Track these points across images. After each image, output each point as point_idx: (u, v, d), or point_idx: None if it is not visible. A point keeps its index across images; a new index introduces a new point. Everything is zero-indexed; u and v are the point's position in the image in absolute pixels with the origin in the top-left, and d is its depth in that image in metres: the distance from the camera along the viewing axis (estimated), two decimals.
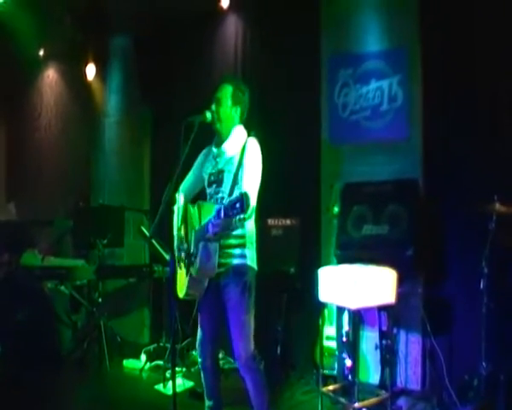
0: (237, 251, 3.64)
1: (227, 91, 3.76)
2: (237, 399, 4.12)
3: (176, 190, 3.69)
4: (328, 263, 4.87)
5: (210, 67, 6.50)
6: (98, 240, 6.12)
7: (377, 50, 5.23)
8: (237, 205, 2.94)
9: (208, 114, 3.70)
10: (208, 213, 3.41)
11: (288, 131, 5.59)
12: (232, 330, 3.64)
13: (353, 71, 5.37)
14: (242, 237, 3.65)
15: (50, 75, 8.45)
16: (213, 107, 3.75)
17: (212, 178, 3.78)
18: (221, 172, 3.72)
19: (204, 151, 3.99)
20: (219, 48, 6.46)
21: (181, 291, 3.72)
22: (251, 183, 3.53)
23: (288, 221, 5.42)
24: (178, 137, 3.51)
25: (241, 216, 3.05)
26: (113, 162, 7.39)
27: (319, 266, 4.51)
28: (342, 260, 4.72)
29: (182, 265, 3.72)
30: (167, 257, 5.53)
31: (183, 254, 3.70)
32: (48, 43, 7.91)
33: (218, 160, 3.78)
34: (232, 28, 6.34)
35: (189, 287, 3.62)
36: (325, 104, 5.56)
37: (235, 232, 3.59)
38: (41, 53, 8.10)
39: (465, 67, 4.66)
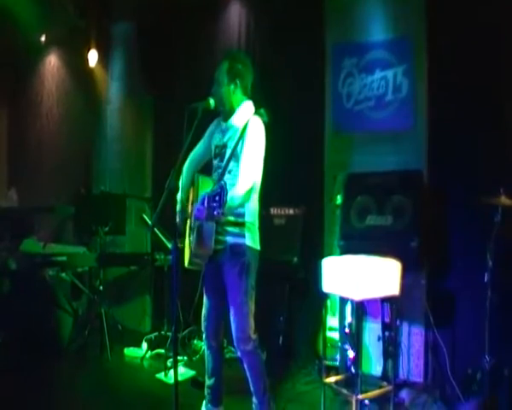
0: (235, 230, 3.63)
1: (223, 69, 3.75)
2: (238, 388, 4.11)
3: (178, 177, 3.65)
4: (331, 253, 4.84)
5: (212, 54, 6.44)
6: (100, 227, 6.11)
7: (382, 40, 5.19)
8: (216, 198, 2.94)
9: (211, 101, 3.69)
10: (205, 187, 3.48)
11: (292, 120, 5.54)
12: (231, 312, 3.67)
13: (358, 60, 5.32)
14: (241, 215, 3.63)
15: (52, 61, 8.40)
16: (213, 88, 3.75)
17: (217, 150, 3.80)
18: (224, 146, 3.73)
19: (214, 122, 3.98)
20: (222, 36, 6.42)
21: (185, 260, 3.74)
22: (248, 165, 3.52)
23: (291, 211, 5.40)
24: (181, 125, 3.48)
25: (219, 211, 3.03)
26: (114, 149, 7.35)
27: (322, 256, 4.49)
28: (345, 250, 4.69)
29: (188, 233, 3.74)
30: (169, 245, 5.51)
31: (189, 229, 3.73)
32: (49, 30, 7.86)
33: (224, 133, 3.79)
34: (235, 16, 6.30)
35: (189, 259, 3.65)
36: (329, 94, 5.52)
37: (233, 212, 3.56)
38: (43, 39, 8.05)
39: (471, 57, 4.61)
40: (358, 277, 3.90)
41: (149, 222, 5.83)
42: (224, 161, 3.64)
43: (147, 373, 5.34)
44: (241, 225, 3.64)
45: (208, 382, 3.96)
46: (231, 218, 3.59)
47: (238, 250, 3.63)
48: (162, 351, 5.48)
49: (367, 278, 3.92)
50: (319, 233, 5.42)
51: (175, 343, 3.66)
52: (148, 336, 5.93)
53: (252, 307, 3.67)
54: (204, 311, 3.94)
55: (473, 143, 4.54)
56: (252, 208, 3.69)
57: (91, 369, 5.43)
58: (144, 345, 5.82)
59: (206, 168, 4.01)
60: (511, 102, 4.46)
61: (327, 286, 4.22)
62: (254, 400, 3.77)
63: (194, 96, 3.72)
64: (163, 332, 5.75)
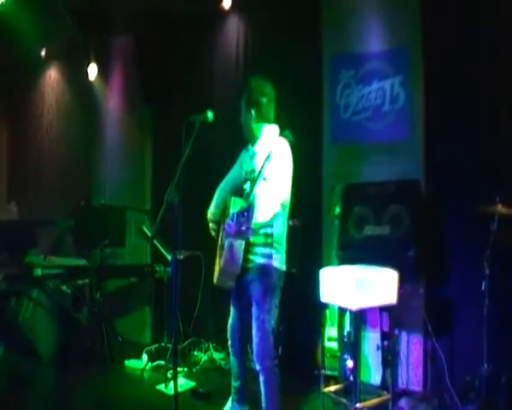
0: (263, 250, 3.79)
1: (242, 98, 3.99)
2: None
3: (177, 189, 3.68)
4: (329, 264, 4.87)
5: (211, 67, 6.51)
6: (100, 240, 6.13)
7: (379, 51, 5.23)
8: (244, 214, 3.03)
9: (209, 114, 3.73)
10: (235, 207, 3.64)
11: (289, 131, 5.56)
12: (253, 329, 3.80)
13: (355, 72, 5.37)
14: (270, 236, 3.78)
15: (52, 75, 8.46)
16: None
17: (247, 175, 3.98)
18: (253, 171, 3.89)
19: (245, 147, 4.15)
20: (221, 48, 6.47)
21: (214, 277, 3.95)
22: (275, 186, 3.65)
23: (290, 222, 5.40)
24: (180, 137, 3.52)
25: (247, 225, 3.10)
26: (114, 162, 7.37)
27: (321, 266, 4.50)
28: (343, 260, 4.72)
29: (219, 252, 3.92)
30: (169, 257, 5.53)
31: (220, 246, 3.92)
32: (49, 44, 7.92)
33: (252, 158, 3.97)
34: (234, 29, 6.35)
35: (219, 276, 3.86)
36: (327, 105, 5.56)
37: (262, 231, 3.74)
38: (42, 53, 8.11)
39: (467, 67, 4.65)
40: (356, 286, 3.92)
41: (149, 234, 5.85)
42: (253, 185, 3.73)
43: (147, 385, 5.34)
44: (270, 245, 3.79)
45: (234, 384, 4.14)
46: (261, 239, 3.77)
47: (266, 271, 3.79)
48: (162, 363, 5.46)
49: (365, 287, 3.94)
50: (318, 244, 5.44)
51: (175, 355, 3.68)
52: (149, 348, 5.94)
53: (273, 325, 3.80)
54: (230, 320, 4.12)
55: (469, 153, 4.58)
56: (280, 230, 3.85)
57: (92, 381, 5.42)
58: (144, 357, 5.82)
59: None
60: (507, 112, 4.49)
61: (325, 296, 4.24)
62: None
63: (193, 109, 3.76)
64: (163, 344, 5.74)
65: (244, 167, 4.06)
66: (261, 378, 3.81)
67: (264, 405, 3.83)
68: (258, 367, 3.81)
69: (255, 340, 3.79)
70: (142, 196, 7.13)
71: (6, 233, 6.91)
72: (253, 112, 3.93)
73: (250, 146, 4.06)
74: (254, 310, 3.80)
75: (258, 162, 3.84)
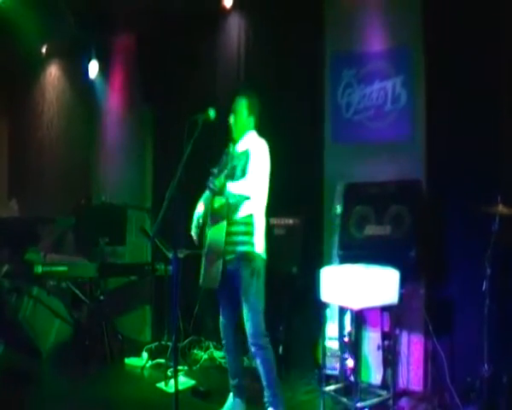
0: (243, 238, 4.02)
1: (243, 103, 4.19)
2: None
3: (179, 188, 3.67)
4: (330, 263, 4.86)
5: (212, 66, 6.50)
6: (100, 238, 6.13)
7: (381, 50, 5.22)
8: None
9: (211, 112, 3.80)
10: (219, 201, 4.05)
11: (291, 130, 5.58)
12: (244, 311, 4.01)
13: (357, 71, 5.36)
14: (248, 224, 4.01)
15: (53, 72, 8.47)
16: (231, 118, 4.20)
17: (228, 172, 4.04)
18: (234, 167, 4.03)
19: (226, 150, 4.35)
20: (222, 47, 6.46)
21: (200, 278, 4.20)
22: (252, 173, 3.95)
23: (291, 221, 5.43)
24: (181, 135, 3.53)
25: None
26: (115, 160, 7.38)
27: (321, 265, 4.50)
28: (344, 260, 4.71)
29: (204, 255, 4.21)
30: (169, 255, 5.53)
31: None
32: (50, 41, 7.93)
33: (233, 157, 4.16)
34: (235, 28, 6.34)
35: (203, 277, 4.14)
36: (328, 104, 5.55)
37: (239, 219, 3.99)
38: (43, 50, 8.12)
39: (469, 66, 4.64)
40: (357, 286, 3.93)
41: (149, 233, 5.85)
42: (235, 178, 3.98)
43: (147, 383, 5.33)
44: (250, 234, 4.01)
45: (232, 382, 4.32)
46: (241, 228, 4.01)
47: (248, 257, 4.00)
48: (162, 361, 5.46)
49: (366, 287, 3.94)
50: (318, 243, 5.44)
51: (175, 353, 3.69)
52: (149, 346, 5.93)
53: (263, 306, 4.03)
54: (221, 318, 4.28)
55: (470, 153, 4.57)
56: (259, 221, 4.08)
57: (92, 378, 5.42)
58: (144, 355, 5.81)
59: None
60: (509, 111, 4.48)
61: (326, 295, 4.24)
62: (267, 393, 4.05)
63: (194, 107, 3.77)
64: (163, 342, 5.76)
65: (227, 166, 4.16)
66: (258, 359, 4.02)
67: (265, 383, 4.03)
68: (252, 349, 4.02)
69: (248, 322, 3.99)
70: (143, 194, 7.12)
71: (7, 230, 6.91)
72: (253, 118, 4.22)
73: (232, 146, 4.27)
74: (243, 294, 3.99)
75: (240, 159, 4.08)
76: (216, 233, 4.04)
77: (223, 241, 3.97)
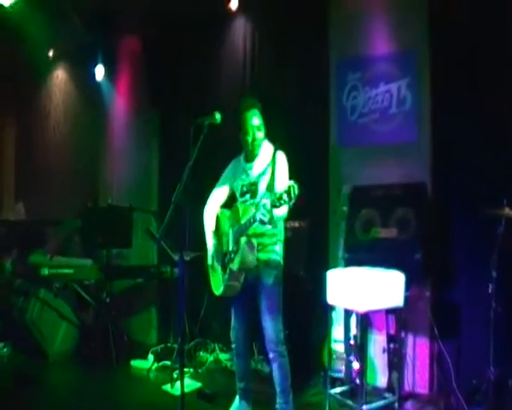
0: (271, 247, 3.99)
1: (259, 117, 4.08)
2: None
3: (185, 191, 3.68)
4: (336, 266, 4.87)
5: (218, 69, 6.52)
6: (106, 240, 6.15)
7: (386, 53, 5.21)
8: (284, 196, 3.24)
9: (217, 115, 3.76)
10: (247, 212, 3.80)
11: (296, 133, 5.57)
12: (265, 317, 3.97)
13: (362, 74, 5.35)
14: (275, 235, 3.99)
15: (59, 76, 8.50)
16: (256, 134, 4.04)
17: (245, 189, 4.09)
18: (254, 183, 4.02)
19: (232, 164, 4.28)
20: (228, 50, 6.47)
21: (217, 289, 4.13)
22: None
23: (297, 223, 5.43)
24: (187, 138, 3.54)
25: (289, 204, 3.34)
26: (121, 163, 7.40)
27: (327, 268, 4.52)
28: (350, 262, 4.72)
29: (216, 268, 4.16)
30: (175, 258, 5.54)
31: (216, 259, 4.16)
32: (57, 44, 7.95)
33: (249, 172, 4.08)
34: (241, 30, 6.36)
35: (227, 283, 3.98)
36: (334, 107, 5.55)
37: (269, 231, 3.93)
38: (50, 54, 8.14)
39: (474, 69, 4.65)
40: (363, 289, 3.94)
41: (156, 235, 5.86)
42: (258, 196, 3.96)
43: (153, 385, 5.34)
44: (275, 243, 4.02)
45: (239, 384, 4.31)
46: (267, 239, 3.97)
47: (273, 265, 3.99)
48: (168, 363, 5.48)
49: (371, 290, 3.96)
50: (324, 246, 5.44)
51: (181, 355, 3.69)
52: (155, 348, 5.95)
53: (281, 313, 4.03)
54: (233, 322, 4.24)
55: (476, 155, 4.57)
56: (282, 231, 4.11)
57: (98, 381, 5.43)
58: (150, 357, 5.83)
59: None
60: None
61: (332, 298, 4.26)
62: (279, 400, 4.03)
63: (200, 110, 3.77)
64: (169, 344, 5.77)
65: (239, 182, 4.15)
66: (274, 365, 4.00)
67: (279, 389, 4.03)
68: (271, 355, 3.99)
69: (269, 329, 3.95)
70: (149, 196, 7.14)
71: (14, 233, 6.94)
72: (263, 129, 4.09)
73: (243, 161, 4.18)
74: (267, 301, 3.96)
75: (260, 174, 4.02)
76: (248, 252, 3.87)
77: (255, 260, 3.90)
